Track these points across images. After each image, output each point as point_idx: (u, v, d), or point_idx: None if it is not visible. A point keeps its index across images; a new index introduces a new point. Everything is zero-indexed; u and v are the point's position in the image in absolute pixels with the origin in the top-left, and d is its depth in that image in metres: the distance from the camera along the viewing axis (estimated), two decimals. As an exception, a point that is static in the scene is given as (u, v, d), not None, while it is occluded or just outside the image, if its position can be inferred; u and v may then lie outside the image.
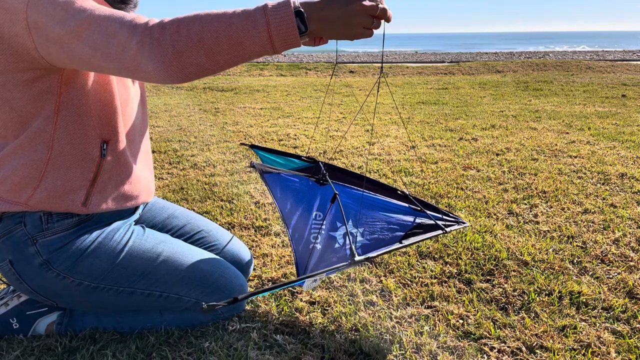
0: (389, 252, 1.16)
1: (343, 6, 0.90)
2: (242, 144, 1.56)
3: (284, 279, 1.55)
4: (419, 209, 1.34)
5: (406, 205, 1.37)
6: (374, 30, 0.95)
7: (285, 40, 0.91)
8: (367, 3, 0.90)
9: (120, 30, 0.91)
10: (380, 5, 0.92)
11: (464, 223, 1.32)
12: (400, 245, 1.18)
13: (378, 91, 1.12)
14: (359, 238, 1.36)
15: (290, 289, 1.48)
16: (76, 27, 0.93)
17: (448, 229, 1.27)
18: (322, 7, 0.91)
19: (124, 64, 0.93)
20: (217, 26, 0.90)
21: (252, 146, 1.50)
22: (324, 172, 1.43)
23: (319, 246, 1.39)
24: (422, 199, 2.30)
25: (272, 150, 1.49)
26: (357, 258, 1.05)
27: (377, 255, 1.13)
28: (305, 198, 1.44)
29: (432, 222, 1.30)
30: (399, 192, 1.39)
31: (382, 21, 0.95)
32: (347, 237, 1.35)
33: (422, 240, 1.23)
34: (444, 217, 1.34)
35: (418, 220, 1.33)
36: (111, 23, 0.92)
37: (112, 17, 0.93)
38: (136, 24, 0.91)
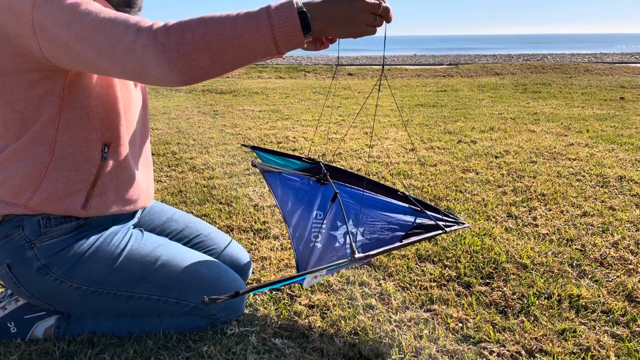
0: (390, 250, 1.17)
1: (347, 5, 0.91)
2: (242, 145, 1.58)
3: (282, 283, 1.54)
4: (419, 209, 1.35)
5: (406, 205, 1.37)
6: (377, 28, 0.95)
7: (289, 41, 0.91)
8: (370, 1, 0.91)
9: (125, 33, 0.91)
10: (383, 4, 0.92)
11: (464, 223, 1.32)
12: (401, 244, 1.18)
13: (379, 92, 1.12)
14: (359, 237, 1.37)
15: (290, 292, 1.48)
16: (81, 30, 0.93)
17: (448, 229, 1.27)
18: (325, 7, 0.91)
19: (129, 67, 0.93)
20: (222, 29, 0.90)
21: (253, 147, 1.52)
22: (325, 172, 1.44)
23: (319, 245, 1.39)
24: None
25: (272, 151, 1.51)
26: (357, 255, 1.06)
27: (378, 254, 1.13)
28: (306, 197, 1.45)
29: (432, 222, 1.31)
30: (399, 193, 1.40)
31: (383, 24, 0.96)
32: (347, 237, 1.35)
33: (423, 239, 1.23)
34: (444, 217, 1.34)
35: (418, 221, 1.34)
36: (116, 26, 0.92)
37: (117, 20, 0.93)
38: (141, 27, 0.91)
